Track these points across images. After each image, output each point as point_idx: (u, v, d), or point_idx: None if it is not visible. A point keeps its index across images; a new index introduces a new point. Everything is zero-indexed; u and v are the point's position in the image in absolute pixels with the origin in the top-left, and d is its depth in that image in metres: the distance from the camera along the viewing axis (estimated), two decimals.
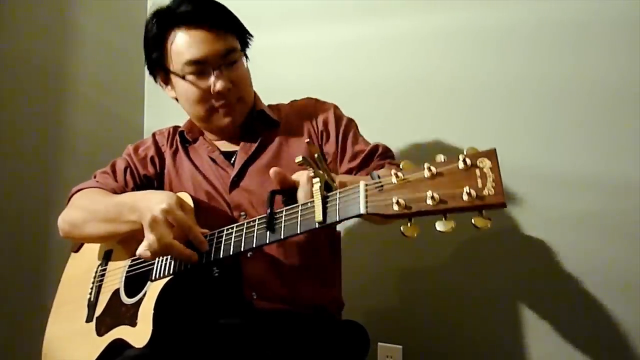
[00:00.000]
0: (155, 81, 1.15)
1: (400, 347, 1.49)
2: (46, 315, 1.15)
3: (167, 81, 1.12)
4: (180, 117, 1.22)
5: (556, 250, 1.33)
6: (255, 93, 1.18)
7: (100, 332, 1.00)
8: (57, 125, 1.64)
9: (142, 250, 0.87)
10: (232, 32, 1.07)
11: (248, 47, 1.14)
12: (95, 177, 1.19)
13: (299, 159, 0.72)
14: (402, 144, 1.52)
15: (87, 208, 1.07)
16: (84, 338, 1.02)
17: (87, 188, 1.14)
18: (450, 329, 1.45)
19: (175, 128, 1.24)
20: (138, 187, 1.15)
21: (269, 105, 1.22)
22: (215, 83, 1.03)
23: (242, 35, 1.11)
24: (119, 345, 0.92)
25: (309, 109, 1.17)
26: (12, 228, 1.49)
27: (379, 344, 1.50)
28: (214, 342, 0.91)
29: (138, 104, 1.98)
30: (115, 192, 1.12)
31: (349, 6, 1.61)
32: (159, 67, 1.11)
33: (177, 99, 1.13)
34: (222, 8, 1.08)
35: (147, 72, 1.98)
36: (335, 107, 1.18)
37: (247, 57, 1.13)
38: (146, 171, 1.18)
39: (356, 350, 1.10)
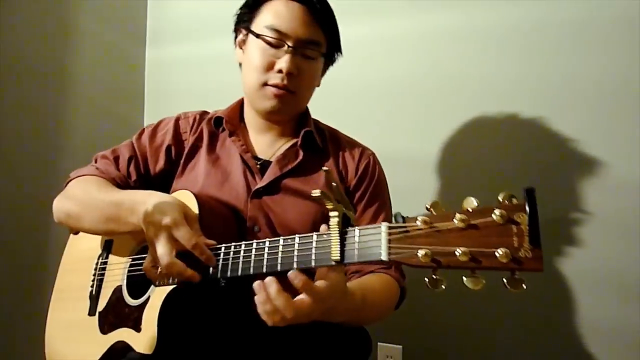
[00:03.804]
0: (234, 42, 1.12)
1: (400, 347, 1.49)
2: (45, 315, 1.15)
3: (242, 43, 1.09)
4: None
5: (556, 250, 1.33)
6: (308, 111, 1.15)
7: (103, 329, 0.99)
8: (57, 125, 1.64)
9: (147, 267, 0.88)
10: (325, 34, 1.04)
11: (331, 62, 1.13)
12: (95, 161, 1.12)
13: (316, 192, 0.68)
14: (400, 144, 1.52)
15: (83, 201, 1.01)
16: (87, 333, 1.02)
17: (85, 175, 1.08)
18: (450, 329, 1.45)
19: (203, 114, 1.16)
20: (141, 178, 1.10)
21: (315, 121, 1.16)
22: (283, 60, 0.99)
23: (331, 46, 1.08)
24: (122, 346, 0.92)
25: (357, 154, 1.12)
26: (11, 227, 1.49)
27: (379, 344, 1.50)
28: (216, 344, 0.91)
29: (138, 104, 1.98)
30: (115, 181, 1.06)
31: (348, 6, 1.61)
32: (243, 25, 1.08)
33: (240, 66, 1.10)
34: (330, 11, 1.06)
35: (147, 72, 1.97)
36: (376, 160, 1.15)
37: (325, 64, 1.11)
38: (156, 164, 1.10)
39: (358, 351, 1.10)
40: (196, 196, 0.93)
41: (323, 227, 0.76)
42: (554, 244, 1.34)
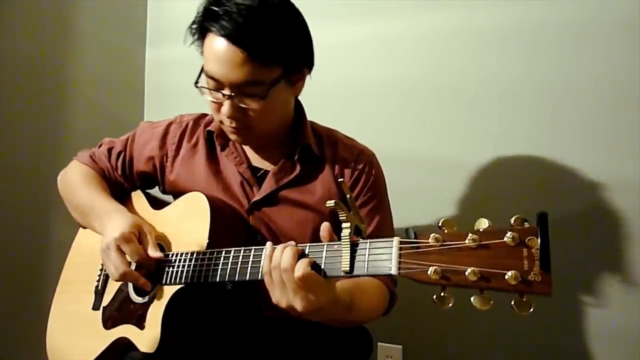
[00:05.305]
0: None
1: (400, 347, 1.49)
2: (46, 315, 1.15)
3: None
4: None
5: (556, 250, 1.33)
6: (303, 118, 1.08)
7: (106, 325, 1.00)
8: (57, 125, 1.64)
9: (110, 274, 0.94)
10: (267, 63, 0.90)
11: (308, 70, 1.00)
12: (100, 146, 1.19)
13: (330, 203, 0.70)
14: (401, 144, 1.52)
15: (70, 190, 1.13)
16: (90, 327, 1.02)
17: (82, 163, 1.16)
18: (450, 329, 1.45)
19: (199, 118, 1.13)
20: (124, 174, 1.15)
21: (312, 124, 1.10)
22: (224, 107, 0.93)
23: (289, 67, 0.93)
24: (124, 343, 0.93)
25: (354, 158, 1.07)
26: (12, 228, 1.49)
27: (379, 344, 1.50)
28: (220, 345, 0.92)
29: (138, 104, 1.98)
30: (104, 172, 1.15)
31: (349, 6, 1.61)
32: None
33: None
34: (265, 30, 0.88)
35: (147, 72, 1.96)
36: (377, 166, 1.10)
37: (290, 81, 0.96)
38: (138, 166, 1.13)
39: (359, 350, 1.10)
40: (209, 199, 0.96)
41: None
42: (553, 244, 1.33)
